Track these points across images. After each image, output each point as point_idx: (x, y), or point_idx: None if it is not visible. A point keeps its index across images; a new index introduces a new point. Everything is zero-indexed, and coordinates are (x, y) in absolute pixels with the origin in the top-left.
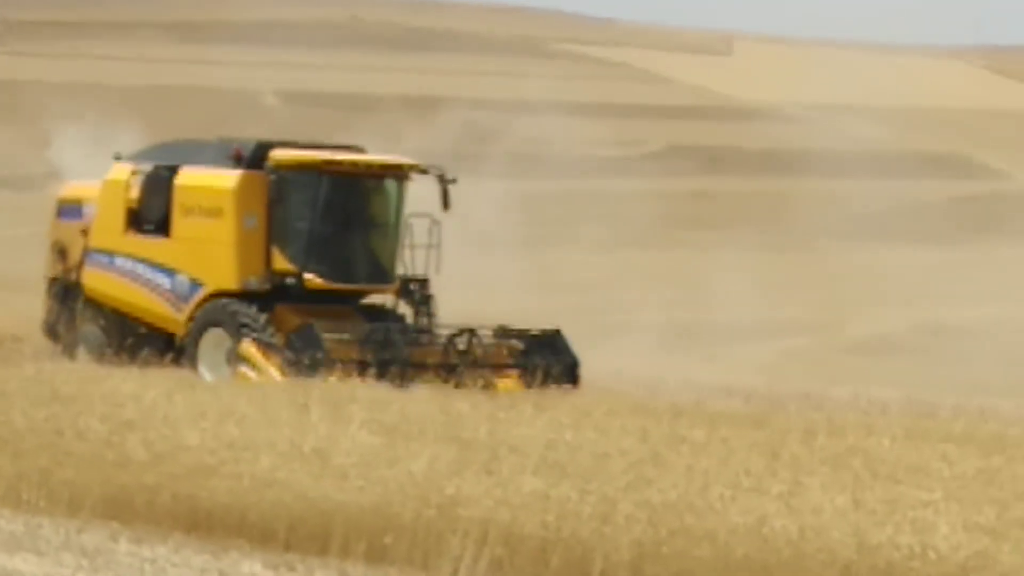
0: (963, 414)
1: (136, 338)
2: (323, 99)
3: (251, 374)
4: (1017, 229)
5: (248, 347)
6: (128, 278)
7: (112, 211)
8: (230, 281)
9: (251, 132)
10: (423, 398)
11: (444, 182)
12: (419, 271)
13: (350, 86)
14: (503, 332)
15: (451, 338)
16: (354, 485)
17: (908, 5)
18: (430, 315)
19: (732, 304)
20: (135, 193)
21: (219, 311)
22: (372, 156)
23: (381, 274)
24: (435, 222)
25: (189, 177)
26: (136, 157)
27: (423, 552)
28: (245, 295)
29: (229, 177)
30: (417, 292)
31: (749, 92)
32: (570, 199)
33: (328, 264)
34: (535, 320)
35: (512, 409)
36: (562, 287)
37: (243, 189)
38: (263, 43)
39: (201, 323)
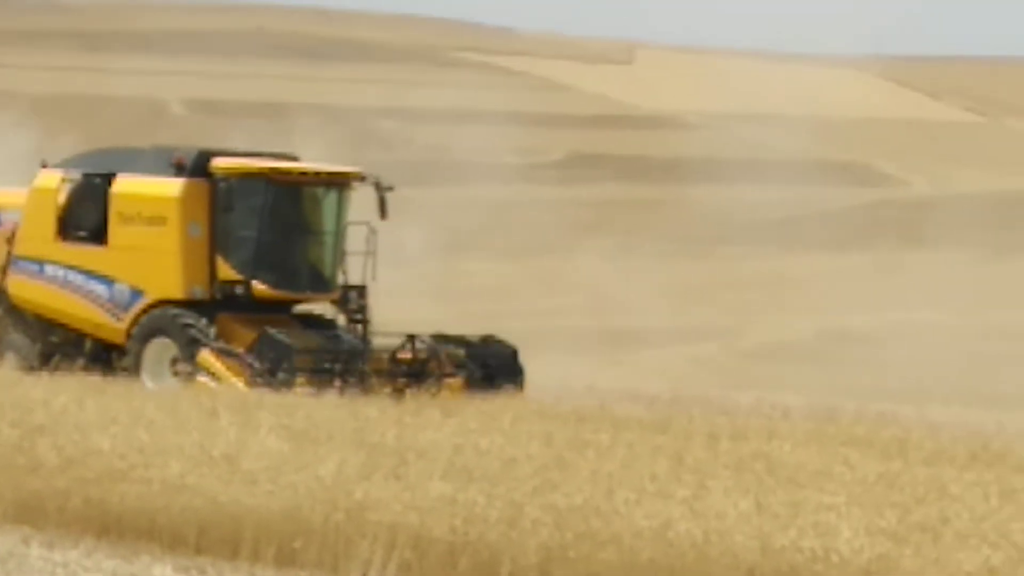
0: (864, 419)
1: (61, 346)
2: (229, 107)
3: (211, 383)
4: (915, 235)
5: (207, 356)
6: (59, 286)
7: (41, 218)
8: (175, 290)
9: (158, 140)
10: (332, 403)
11: (381, 190)
12: (354, 279)
13: (256, 95)
14: (443, 339)
15: (406, 346)
16: (263, 490)
17: (808, 16)
18: (365, 323)
19: (637, 310)
20: (66, 200)
21: (164, 320)
22: (316, 165)
23: (324, 282)
24: (372, 230)
25: (127, 185)
26: (65, 165)
27: (332, 556)
28: (188, 304)
29: (173, 185)
30: (354, 300)
31: (651, 101)
32: (474, 207)
33: (275, 273)
34: (442, 327)
35: (420, 414)
36: (467, 294)
37: (187, 197)
38: (170, 52)
39: (144, 332)
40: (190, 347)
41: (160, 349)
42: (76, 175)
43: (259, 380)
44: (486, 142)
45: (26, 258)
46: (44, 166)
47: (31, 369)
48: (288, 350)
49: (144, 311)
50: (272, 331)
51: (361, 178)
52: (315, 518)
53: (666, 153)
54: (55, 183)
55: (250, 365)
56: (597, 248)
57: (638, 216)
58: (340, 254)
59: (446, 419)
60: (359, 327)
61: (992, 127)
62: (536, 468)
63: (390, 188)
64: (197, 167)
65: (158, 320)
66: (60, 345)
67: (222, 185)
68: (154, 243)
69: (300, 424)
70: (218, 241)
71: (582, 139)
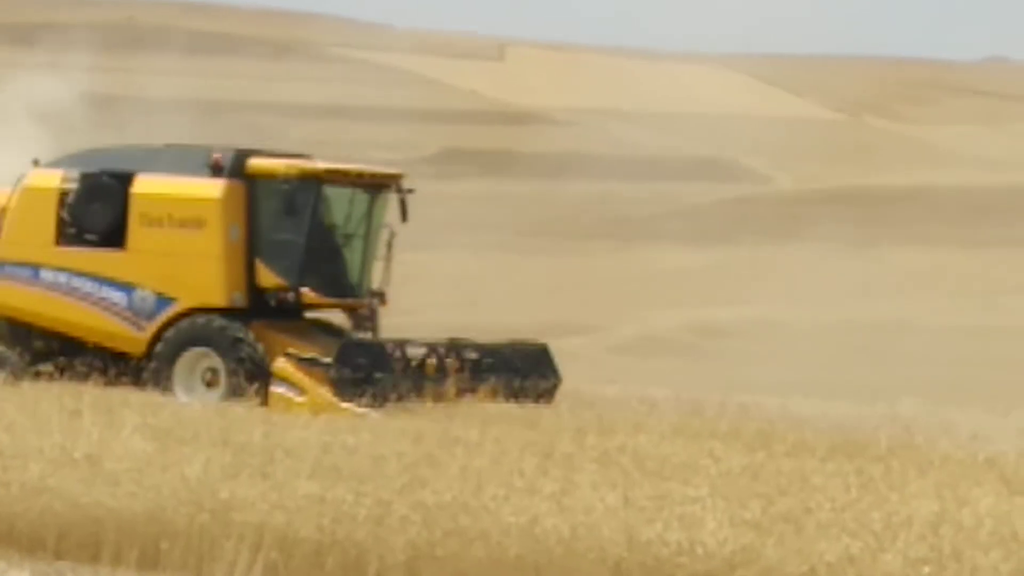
0: (728, 411)
1: (47, 355)
2: (99, 101)
3: (289, 394)
4: (779, 231)
5: (285, 366)
6: (60, 293)
7: (34, 220)
8: (215, 297)
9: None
10: (196, 402)
11: (402, 192)
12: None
13: (127, 89)
14: (463, 345)
15: (433, 352)
16: (126, 491)
17: (677, 13)
18: (375, 330)
19: (505, 305)
20: (70, 201)
21: (203, 329)
22: (361, 166)
23: (361, 288)
24: (393, 233)
25: (151, 185)
26: (63, 163)
27: (197, 557)
28: (224, 312)
29: (213, 186)
30: (368, 306)
31: (521, 97)
32: None
33: (319, 278)
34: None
35: (288, 413)
36: None
37: (228, 199)
38: (38, 45)
39: (177, 342)
40: (238, 359)
41: (193, 360)
42: (79, 174)
43: (350, 390)
44: (361, 137)
45: (14, 262)
46: (36, 164)
47: (15, 382)
48: (383, 356)
49: (173, 319)
50: (358, 337)
51: (401, 179)
52: (179, 519)
53: (536, 149)
54: (54, 182)
55: (338, 374)
56: (468, 244)
57: (508, 211)
58: (373, 258)
59: (314, 418)
60: (368, 334)
61: (854, 125)
62: (405, 465)
63: (411, 190)
64: (234, 168)
65: (194, 329)
66: (45, 354)
67: (283, 187)
68: (189, 247)
69: (165, 423)
70: (258, 245)
71: (454, 135)
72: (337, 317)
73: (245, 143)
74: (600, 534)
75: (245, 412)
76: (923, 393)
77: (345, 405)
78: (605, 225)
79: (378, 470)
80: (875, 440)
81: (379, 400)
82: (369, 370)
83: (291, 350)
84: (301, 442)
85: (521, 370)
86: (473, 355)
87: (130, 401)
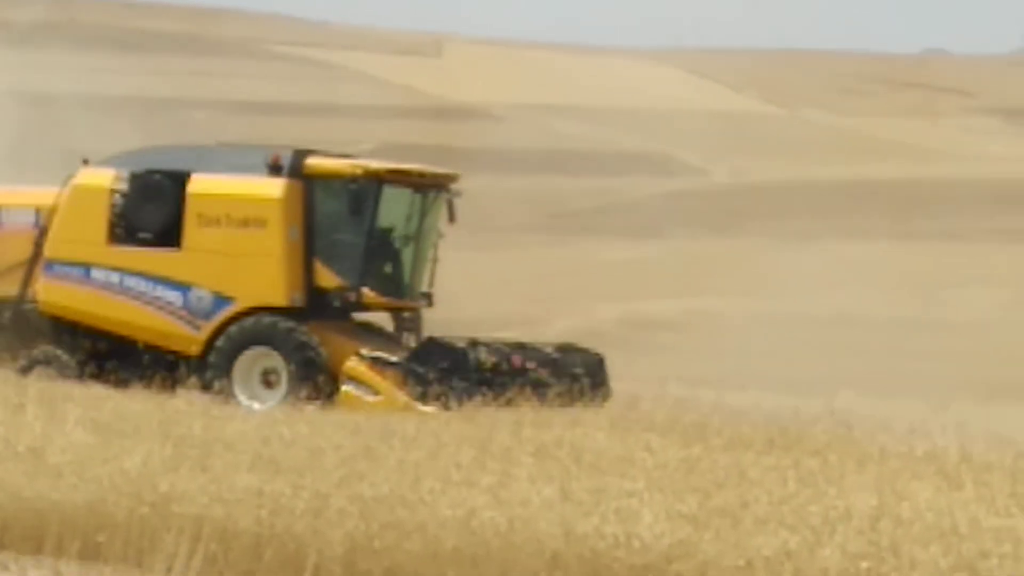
0: (665, 405)
1: (103, 356)
2: (40, 99)
3: (361, 394)
4: (716, 224)
5: (357, 366)
6: (113, 292)
7: (85, 219)
8: (276, 297)
9: None
10: (140, 396)
11: (451, 194)
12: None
13: (68, 87)
14: (521, 347)
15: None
16: (68, 483)
17: (613, 8)
18: (418, 332)
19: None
20: (122, 200)
21: (266, 328)
22: (421, 166)
23: (413, 289)
24: (440, 234)
25: (208, 184)
26: (113, 163)
27: (137, 549)
28: (284, 312)
29: (274, 185)
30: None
31: (459, 93)
32: None
33: (377, 279)
34: None
35: (227, 405)
36: None
37: (289, 198)
38: None
39: (239, 341)
40: (303, 360)
41: (251, 360)
42: (131, 174)
43: (430, 391)
44: (302, 134)
45: (64, 261)
46: (86, 163)
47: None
48: (464, 358)
49: (231, 319)
50: (441, 338)
51: (456, 180)
52: (120, 511)
53: (474, 144)
54: (106, 181)
55: (418, 375)
56: None
57: None
58: (426, 259)
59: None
60: (412, 336)
61: (790, 118)
62: (343, 458)
63: (458, 194)
64: (294, 167)
65: (255, 329)
66: (101, 354)
67: (346, 187)
68: (248, 247)
69: (107, 417)
70: (317, 245)
71: (393, 130)
72: (377, 318)
73: (185, 140)
74: (537, 527)
75: (185, 406)
76: (861, 386)
77: (422, 407)
78: (542, 219)
79: (316, 463)
80: (813, 434)
81: (454, 402)
82: (447, 371)
83: (363, 350)
84: (240, 435)
85: (579, 377)
86: (536, 361)
87: (73, 395)
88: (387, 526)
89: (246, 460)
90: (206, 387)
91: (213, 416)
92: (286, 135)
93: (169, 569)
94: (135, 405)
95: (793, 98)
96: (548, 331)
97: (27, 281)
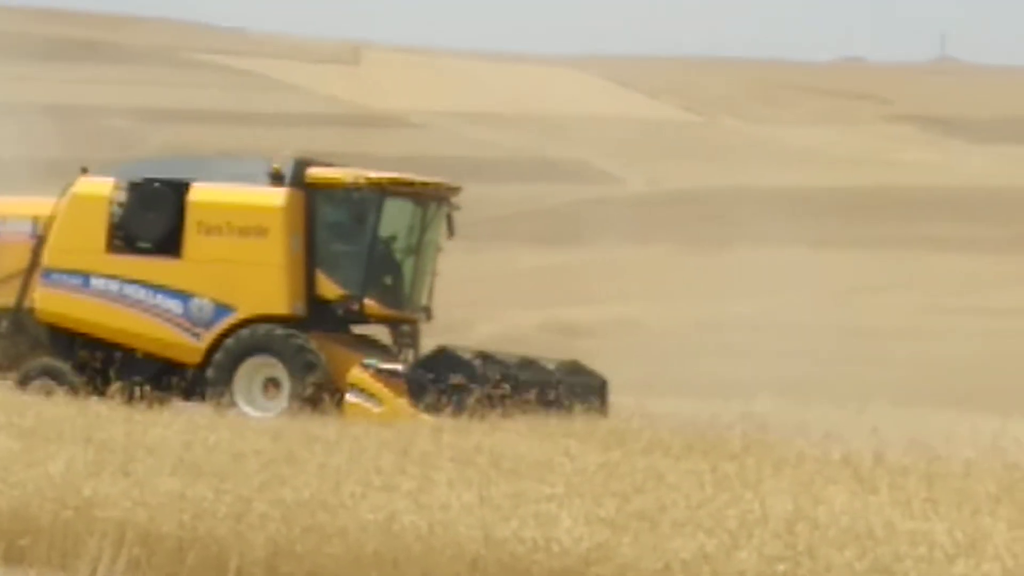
0: (584, 410)
1: (104, 366)
2: None
3: (365, 404)
4: (633, 231)
5: (362, 375)
6: (112, 301)
7: (84, 228)
8: (277, 306)
9: None
10: (62, 401)
11: (450, 207)
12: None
13: None
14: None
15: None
16: None
17: (531, 16)
18: (415, 347)
19: None
20: (122, 209)
21: (267, 337)
22: (423, 177)
23: (414, 302)
24: (438, 248)
25: (209, 193)
26: (113, 172)
27: (61, 553)
28: (284, 321)
29: (275, 194)
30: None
31: (377, 100)
32: None
33: (379, 290)
34: None
35: (150, 411)
36: None
37: (290, 207)
38: None
39: (240, 350)
40: (305, 369)
41: (252, 369)
42: (131, 182)
43: (436, 402)
44: (220, 142)
45: (63, 270)
46: (85, 172)
47: (73, 392)
48: (473, 370)
49: (232, 328)
50: (452, 348)
51: (459, 191)
52: (43, 516)
53: (392, 152)
54: (105, 190)
55: (422, 385)
56: None
57: None
58: (427, 272)
59: (176, 415)
60: (409, 351)
61: (708, 125)
62: (264, 463)
63: (458, 207)
64: (295, 177)
65: (256, 338)
66: (89, 364)
67: (349, 197)
68: (249, 256)
69: (30, 422)
70: (318, 255)
71: (311, 138)
72: (373, 331)
73: (106, 148)
74: (457, 531)
75: (108, 411)
76: (778, 391)
77: (425, 416)
78: (461, 226)
79: (238, 467)
80: (730, 438)
81: (458, 412)
82: (453, 381)
83: (367, 360)
84: (162, 440)
85: (580, 394)
86: (540, 378)
87: None
88: (309, 530)
89: (168, 464)
90: (208, 397)
91: (135, 421)
92: (206, 143)
93: (93, 573)
94: (58, 410)
95: (710, 105)
96: (470, 337)
97: (24, 290)
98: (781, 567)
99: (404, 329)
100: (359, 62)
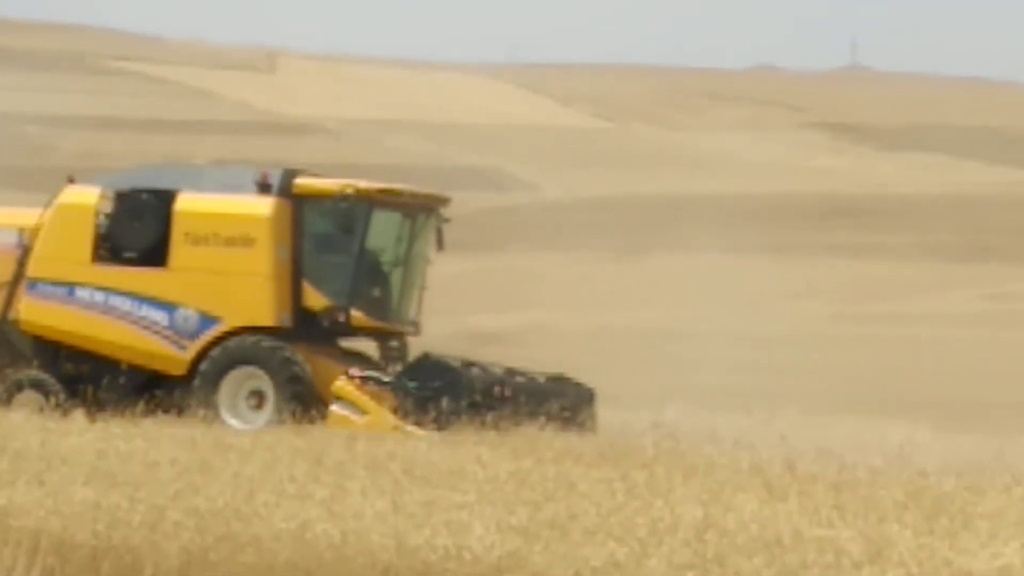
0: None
1: (87, 377)
2: None
3: (349, 415)
4: (546, 239)
5: (346, 385)
6: (97, 312)
7: (69, 237)
8: (263, 317)
9: None
10: None
11: (439, 220)
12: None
13: None
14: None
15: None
16: None
17: (445, 24)
18: (404, 359)
19: None
20: (108, 219)
21: (253, 349)
22: (412, 187)
23: (403, 314)
24: (427, 261)
25: (196, 203)
26: (99, 181)
27: None
28: (270, 332)
29: (262, 204)
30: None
31: (292, 108)
32: None
33: (366, 302)
34: None
35: (64, 420)
36: None
37: (277, 217)
38: None
39: (223, 362)
40: (289, 380)
41: (238, 380)
42: (117, 192)
43: (415, 410)
44: (133, 148)
45: (48, 281)
46: (71, 181)
47: (57, 405)
48: (459, 378)
49: (217, 339)
50: (436, 355)
51: (448, 203)
52: None
53: (307, 159)
54: (91, 200)
55: (406, 392)
56: None
57: None
58: (415, 284)
59: (90, 425)
60: (397, 363)
61: (620, 133)
62: (178, 472)
63: (447, 219)
64: (283, 186)
65: (242, 349)
66: (75, 376)
67: (335, 207)
68: (235, 266)
69: None
70: (305, 265)
71: (226, 146)
72: (361, 345)
73: (17, 155)
74: (370, 539)
75: (23, 420)
76: (688, 400)
77: (410, 428)
78: None
79: (152, 476)
80: (641, 447)
81: (443, 423)
82: (439, 391)
83: (353, 370)
84: (76, 449)
85: (569, 408)
86: (526, 388)
87: None
88: (222, 539)
89: (83, 474)
90: (192, 407)
91: (50, 430)
92: (119, 151)
93: None
94: None
95: (623, 113)
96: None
97: (9, 301)
98: (690, 574)
99: (392, 343)
100: (275, 69)
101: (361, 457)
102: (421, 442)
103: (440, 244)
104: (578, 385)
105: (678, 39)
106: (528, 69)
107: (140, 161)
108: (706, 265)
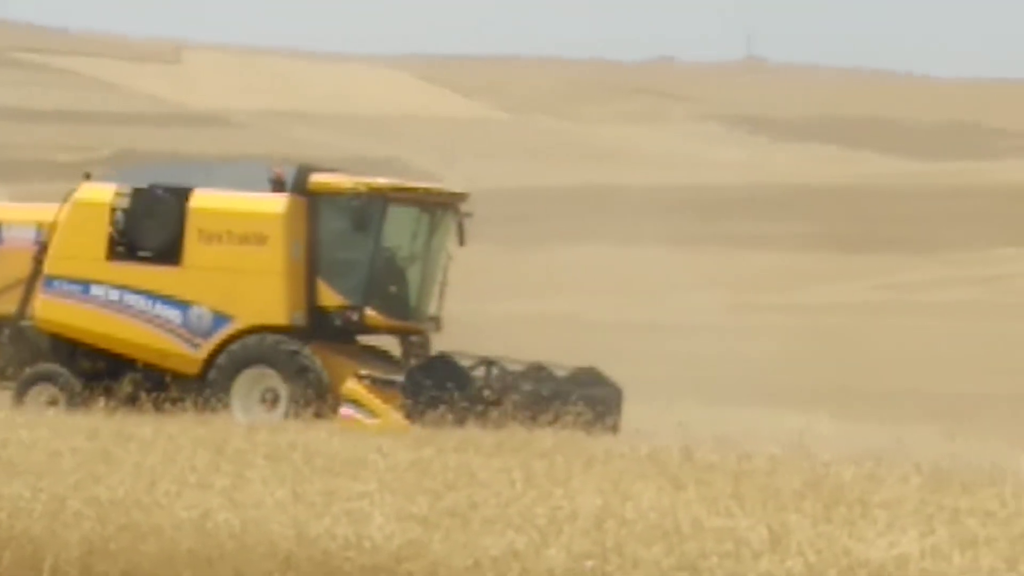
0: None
1: (101, 374)
2: None
3: (359, 416)
4: None
5: (355, 387)
6: (112, 310)
7: (86, 235)
8: (276, 315)
9: None
10: None
11: (460, 215)
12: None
13: None
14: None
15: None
16: None
17: (348, 16)
18: (425, 355)
19: None
20: (123, 216)
21: (266, 348)
22: (428, 183)
23: (420, 312)
24: (449, 256)
25: (210, 200)
26: (114, 178)
27: None
28: (284, 331)
29: (276, 201)
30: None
31: (198, 99)
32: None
33: (382, 300)
34: None
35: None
36: None
37: (291, 214)
38: None
39: (236, 361)
40: (303, 382)
41: (251, 380)
42: (133, 189)
43: (424, 409)
44: (39, 139)
45: (64, 278)
46: (87, 178)
47: (71, 400)
48: (466, 377)
49: (231, 338)
50: (447, 355)
51: (464, 199)
52: None
53: (214, 151)
54: (106, 197)
55: (413, 391)
56: None
57: None
58: (434, 281)
59: None
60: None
61: (520, 124)
62: (80, 461)
63: (468, 214)
64: (297, 183)
65: (256, 348)
66: (91, 373)
67: (349, 204)
68: (249, 264)
69: None
70: (319, 263)
71: (131, 137)
72: (383, 342)
73: None
74: (270, 528)
75: None
76: None
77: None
78: None
79: (54, 466)
80: (540, 436)
81: (455, 420)
82: (448, 389)
83: (363, 371)
84: None
85: (596, 408)
86: (550, 386)
87: None
88: (123, 528)
89: None
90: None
91: None
92: (25, 141)
93: None
94: None
95: (523, 104)
96: None
97: (26, 298)
98: (589, 563)
99: (413, 340)
100: (180, 61)
101: (262, 446)
102: (322, 431)
103: (461, 239)
104: (606, 383)
105: (577, 32)
106: (430, 61)
107: (43, 153)
108: (605, 256)
